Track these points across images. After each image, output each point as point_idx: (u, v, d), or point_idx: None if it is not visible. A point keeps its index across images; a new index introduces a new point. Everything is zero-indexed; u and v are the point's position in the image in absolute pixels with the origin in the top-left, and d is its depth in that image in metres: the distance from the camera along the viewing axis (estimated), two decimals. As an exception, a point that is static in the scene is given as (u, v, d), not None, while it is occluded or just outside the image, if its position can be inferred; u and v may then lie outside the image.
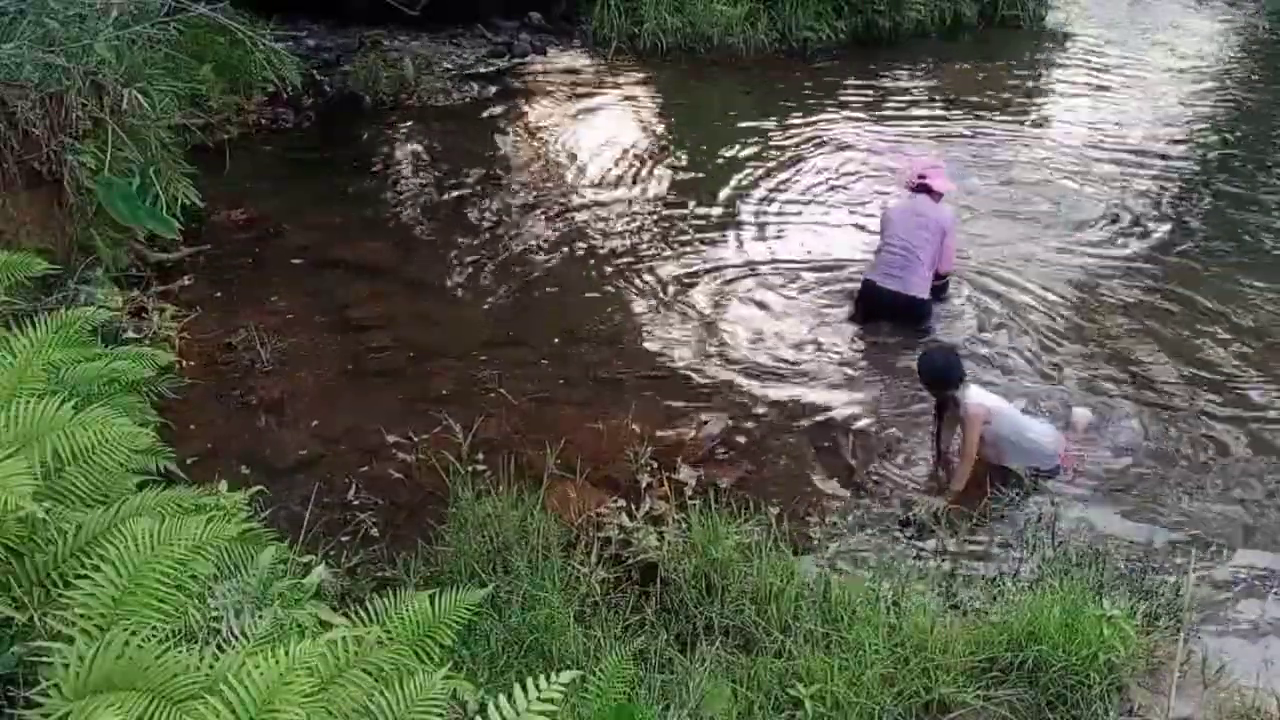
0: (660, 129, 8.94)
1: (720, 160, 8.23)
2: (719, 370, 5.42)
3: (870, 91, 9.95)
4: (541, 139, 8.69)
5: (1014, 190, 7.73)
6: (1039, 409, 5.06)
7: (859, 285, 5.86)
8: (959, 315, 5.96)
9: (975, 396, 4.58)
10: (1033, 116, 9.53)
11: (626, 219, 7.17)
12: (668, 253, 6.71)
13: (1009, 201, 7.52)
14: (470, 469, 3.99)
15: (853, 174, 7.97)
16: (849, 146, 8.49)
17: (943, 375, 4.67)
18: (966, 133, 8.87)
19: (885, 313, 5.70)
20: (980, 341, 5.71)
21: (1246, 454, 4.80)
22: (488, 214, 7.24)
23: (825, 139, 8.66)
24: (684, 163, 8.20)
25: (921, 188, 5.73)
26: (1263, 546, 4.22)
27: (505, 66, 10.33)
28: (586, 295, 6.16)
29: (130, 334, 5.08)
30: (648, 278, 6.38)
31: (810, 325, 5.87)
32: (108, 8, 5.95)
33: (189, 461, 3.97)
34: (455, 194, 7.54)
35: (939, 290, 5.87)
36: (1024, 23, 12.27)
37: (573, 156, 8.31)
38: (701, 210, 7.32)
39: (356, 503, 4.29)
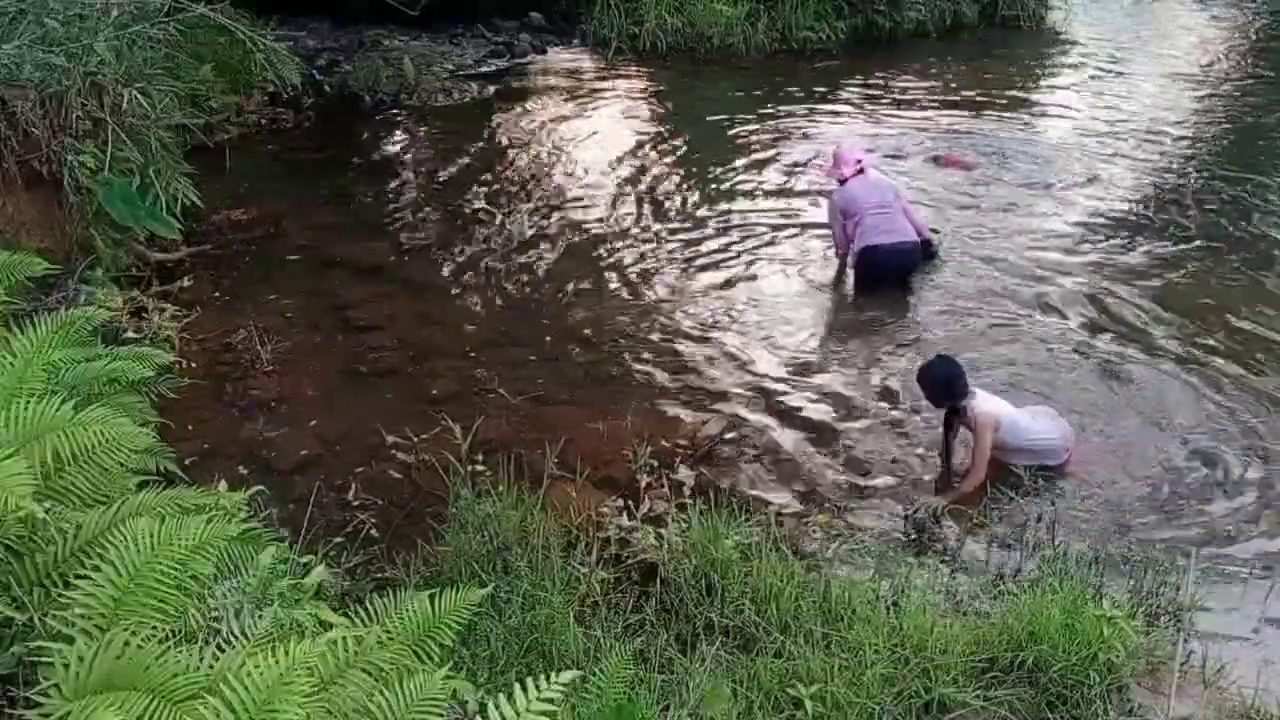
0: (660, 129, 8.94)
1: (720, 160, 8.23)
2: (719, 369, 5.42)
3: (870, 91, 9.96)
4: (541, 139, 8.70)
5: (1014, 187, 7.73)
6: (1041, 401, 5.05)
7: (860, 255, 6.11)
8: (961, 311, 5.97)
9: (984, 405, 4.53)
10: (1033, 115, 9.53)
11: (626, 219, 7.18)
12: (668, 253, 6.72)
13: (1010, 197, 7.53)
14: (470, 469, 3.99)
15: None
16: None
17: (948, 388, 4.57)
18: (967, 131, 8.87)
19: (893, 268, 6.11)
20: (985, 337, 5.71)
21: (1247, 453, 4.80)
22: (487, 214, 7.24)
23: (826, 139, 8.66)
24: (684, 163, 8.20)
25: (859, 171, 6.30)
26: (1263, 546, 4.22)
27: (505, 66, 10.35)
28: (586, 295, 6.16)
29: (130, 334, 5.09)
30: (647, 278, 6.38)
31: (811, 325, 5.88)
32: (108, 8, 5.96)
33: (188, 461, 3.97)
34: (455, 194, 7.54)
35: (928, 248, 6.40)
36: (1024, 23, 12.28)
37: (573, 157, 8.32)
38: (702, 211, 7.33)
39: (356, 503, 4.29)
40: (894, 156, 8.27)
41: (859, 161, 6.36)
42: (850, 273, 6.27)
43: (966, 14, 12.03)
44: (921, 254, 6.26)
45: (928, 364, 4.76)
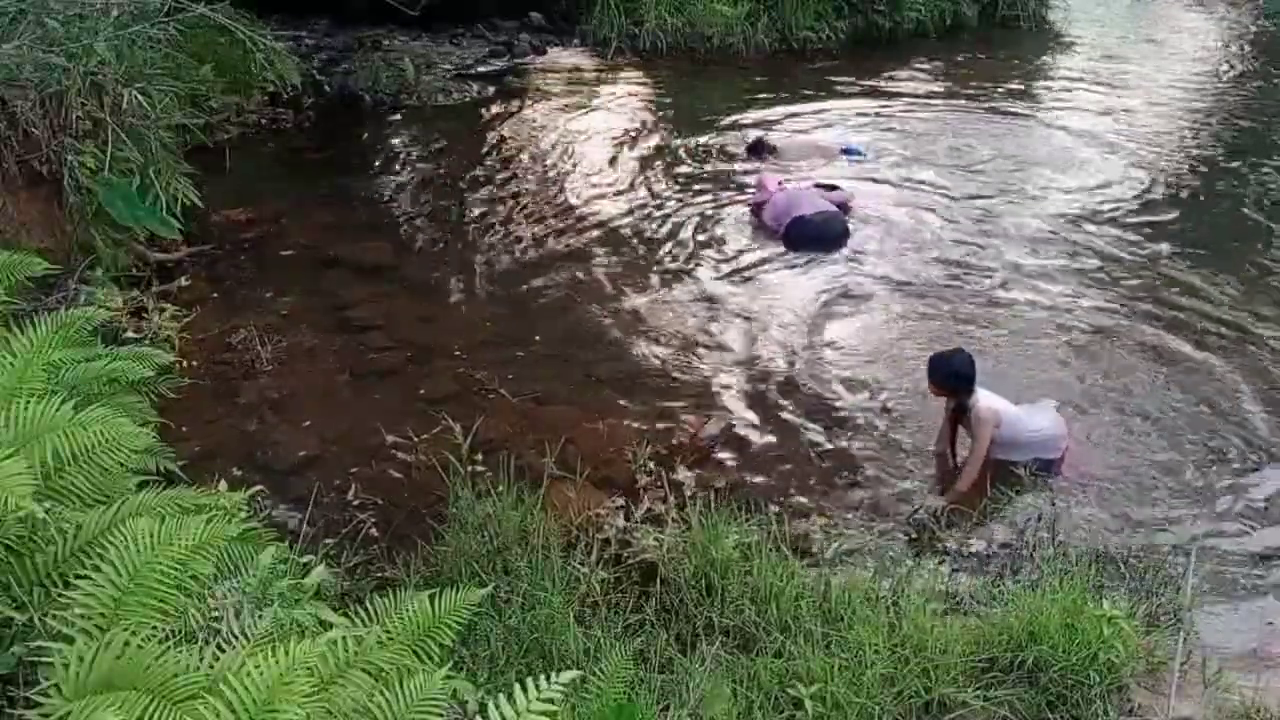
0: (660, 129, 8.94)
1: (720, 161, 8.24)
2: (720, 369, 5.42)
3: (870, 91, 9.96)
4: (541, 139, 8.70)
5: (1011, 185, 7.73)
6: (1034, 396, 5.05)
7: (790, 224, 6.75)
8: (957, 307, 5.97)
9: (986, 401, 4.56)
10: (1032, 114, 9.53)
11: (626, 219, 7.18)
12: (668, 252, 6.72)
13: (1007, 196, 7.53)
14: (470, 469, 3.98)
15: (852, 174, 7.97)
16: (849, 146, 8.49)
17: (959, 379, 4.58)
18: (966, 130, 8.87)
19: (815, 231, 6.76)
20: (982, 333, 5.71)
21: (1248, 453, 4.80)
22: (487, 214, 7.24)
23: (825, 138, 8.65)
24: (683, 163, 8.20)
25: (782, 186, 7.24)
26: (1264, 545, 4.22)
27: (505, 66, 10.34)
28: (586, 295, 6.16)
29: (130, 334, 5.09)
30: (647, 277, 6.38)
31: (811, 325, 5.87)
32: (108, 8, 5.95)
33: (188, 462, 3.96)
34: (455, 194, 7.54)
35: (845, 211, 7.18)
36: (1024, 22, 12.29)
37: (572, 156, 8.32)
38: (701, 210, 7.32)
39: (356, 503, 4.29)
40: (892, 152, 8.29)
41: (780, 183, 7.25)
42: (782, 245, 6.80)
43: (966, 14, 12.04)
44: (848, 232, 6.89)
45: (943, 354, 4.75)
